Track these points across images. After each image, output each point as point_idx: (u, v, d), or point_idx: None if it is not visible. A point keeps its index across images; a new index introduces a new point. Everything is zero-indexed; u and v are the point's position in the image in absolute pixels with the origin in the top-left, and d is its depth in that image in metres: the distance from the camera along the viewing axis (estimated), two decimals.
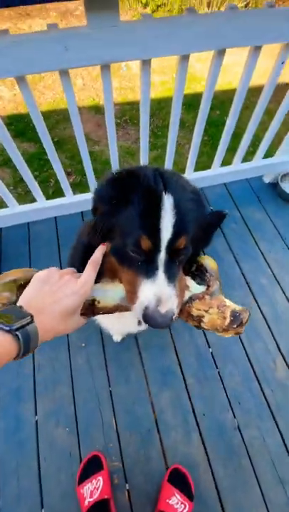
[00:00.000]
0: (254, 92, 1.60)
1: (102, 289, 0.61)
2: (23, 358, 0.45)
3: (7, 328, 0.42)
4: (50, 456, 1.19)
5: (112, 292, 0.60)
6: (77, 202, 1.66)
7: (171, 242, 0.53)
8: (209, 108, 1.38)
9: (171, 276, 0.54)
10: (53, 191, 2.07)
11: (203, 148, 2.37)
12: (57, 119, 2.58)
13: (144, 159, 1.51)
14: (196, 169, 1.76)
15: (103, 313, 0.61)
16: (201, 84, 2.93)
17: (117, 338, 1.41)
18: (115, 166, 1.49)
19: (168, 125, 1.41)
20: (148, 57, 1.04)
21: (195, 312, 0.60)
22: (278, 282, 1.65)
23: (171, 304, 0.53)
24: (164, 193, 0.54)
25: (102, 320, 1.00)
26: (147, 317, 0.52)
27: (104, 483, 1.11)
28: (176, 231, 0.53)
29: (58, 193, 1.69)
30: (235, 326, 0.57)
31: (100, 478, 1.12)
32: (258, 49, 1.18)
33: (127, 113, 2.68)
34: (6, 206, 1.58)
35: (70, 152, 2.31)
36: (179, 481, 1.14)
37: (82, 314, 0.58)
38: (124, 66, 3.09)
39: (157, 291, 0.53)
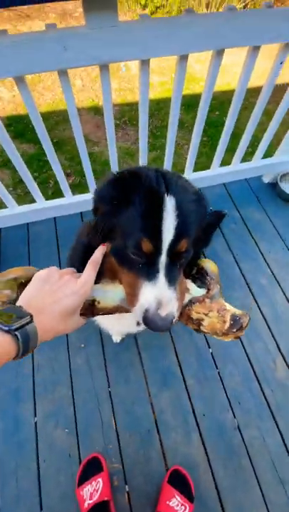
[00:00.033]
0: (253, 93, 1.61)
1: (102, 289, 0.61)
2: (22, 358, 0.45)
3: (6, 328, 0.42)
4: (49, 457, 1.18)
5: (112, 293, 0.60)
6: (77, 202, 1.66)
7: (173, 245, 0.53)
8: (208, 109, 1.38)
9: (171, 280, 0.54)
10: (53, 192, 2.07)
11: (202, 149, 2.38)
12: (56, 120, 2.58)
13: (143, 160, 1.51)
14: (196, 170, 1.76)
15: (103, 314, 0.61)
16: (200, 84, 2.94)
17: (116, 338, 1.41)
18: (114, 166, 1.49)
19: (167, 126, 1.41)
20: (147, 57, 1.04)
21: (195, 315, 0.59)
22: (278, 282, 1.65)
23: (171, 308, 0.52)
24: (166, 194, 0.53)
25: (102, 320, 0.99)
26: (147, 320, 0.52)
27: (104, 484, 1.10)
28: (177, 234, 0.53)
29: (58, 194, 1.69)
30: (235, 330, 0.57)
31: (100, 479, 1.11)
32: (256, 49, 1.18)
33: (126, 114, 2.68)
34: (6, 207, 1.58)
35: (69, 153, 2.32)
36: (179, 482, 1.14)
37: (81, 314, 0.58)
38: (123, 67, 3.10)
39: (158, 294, 0.52)
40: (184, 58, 1.12)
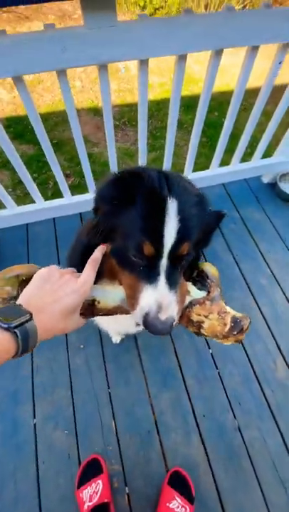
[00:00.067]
0: (251, 94, 1.61)
1: (102, 289, 0.60)
2: (22, 356, 0.45)
3: (5, 326, 0.42)
4: (48, 459, 1.17)
5: (113, 293, 0.60)
6: (76, 203, 1.66)
7: (174, 248, 0.52)
8: (207, 109, 1.38)
9: (172, 283, 0.54)
10: (52, 193, 2.06)
11: (201, 150, 2.38)
12: (56, 121, 2.59)
13: (142, 161, 1.51)
14: (195, 170, 1.76)
15: (103, 315, 0.60)
16: (198, 85, 2.95)
17: (116, 339, 1.40)
18: (114, 167, 1.49)
19: (166, 126, 1.41)
20: (145, 57, 1.04)
21: (195, 317, 0.59)
22: (278, 282, 1.65)
23: (171, 311, 0.52)
24: (168, 196, 0.53)
25: (101, 320, 0.99)
26: (148, 324, 0.52)
27: (104, 486, 1.10)
28: (179, 237, 0.52)
29: (57, 195, 1.69)
30: (235, 332, 0.57)
31: (100, 481, 1.10)
32: (255, 49, 1.19)
33: (126, 115, 2.68)
34: (5, 207, 1.58)
35: (69, 154, 2.32)
36: (180, 483, 1.13)
37: (81, 314, 0.57)
38: (122, 68, 3.10)
39: (158, 298, 0.52)
40: (182, 58, 1.12)
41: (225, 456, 1.21)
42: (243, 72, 1.28)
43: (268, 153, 1.87)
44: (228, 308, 0.59)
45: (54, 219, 1.78)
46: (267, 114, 1.63)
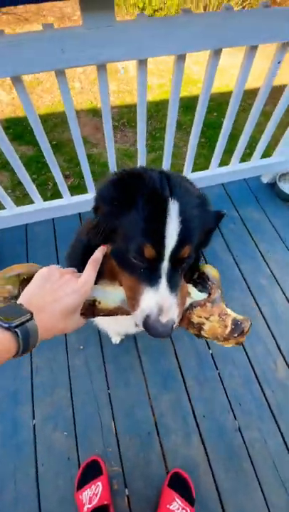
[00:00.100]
0: (250, 95, 1.62)
1: (102, 290, 0.60)
2: (22, 355, 0.45)
3: (6, 325, 0.42)
4: (48, 461, 1.17)
5: (113, 294, 0.60)
6: (75, 203, 1.66)
7: (175, 251, 0.52)
8: (206, 110, 1.38)
9: (173, 285, 0.54)
10: (52, 194, 2.06)
11: (201, 150, 2.38)
12: (55, 122, 2.59)
13: (141, 161, 1.51)
14: (194, 171, 1.76)
15: (103, 315, 0.60)
16: (197, 86, 2.95)
17: (115, 339, 1.40)
18: (113, 168, 1.49)
19: (166, 127, 1.41)
20: (144, 56, 1.04)
21: (196, 319, 0.59)
22: (278, 282, 1.64)
23: (172, 314, 0.52)
24: (170, 198, 0.52)
25: (100, 321, 0.98)
26: (148, 326, 0.52)
27: (104, 488, 1.09)
28: (181, 240, 0.52)
29: (57, 195, 1.69)
30: (236, 334, 0.56)
31: (99, 483, 1.10)
32: (253, 49, 1.19)
33: (125, 116, 2.69)
34: (4, 208, 1.58)
35: (68, 155, 2.32)
36: (180, 485, 1.12)
37: (82, 314, 0.57)
38: (121, 69, 3.11)
39: (159, 300, 0.52)
40: (181, 58, 1.12)
41: (225, 457, 1.20)
42: (241, 73, 1.28)
43: (267, 154, 1.87)
44: (228, 311, 0.59)
45: (53, 219, 1.78)
46: (266, 115, 1.63)
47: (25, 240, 1.71)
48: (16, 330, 0.42)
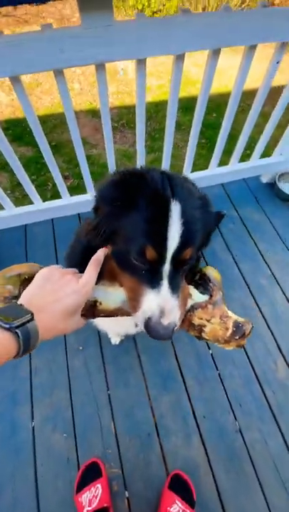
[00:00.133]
0: (249, 96, 1.62)
1: (103, 290, 0.60)
2: (22, 356, 0.44)
3: (7, 326, 0.42)
4: (47, 463, 1.16)
5: (114, 295, 0.59)
6: (74, 203, 1.66)
7: (177, 253, 0.52)
8: (206, 111, 1.38)
9: (175, 287, 0.53)
10: (51, 195, 2.06)
11: (200, 151, 2.38)
12: (54, 123, 2.59)
13: (141, 162, 1.51)
14: (194, 171, 1.76)
15: (104, 316, 0.60)
16: (196, 87, 2.96)
17: (115, 340, 1.39)
18: (112, 169, 1.49)
19: (165, 128, 1.41)
20: (143, 56, 1.04)
21: (197, 321, 0.59)
22: (278, 282, 1.64)
23: (174, 316, 0.52)
24: (172, 199, 0.51)
25: (100, 321, 0.98)
26: (150, 328, 0.51)
27: (104, 490, 1.08)
28: (183, 241, 0.51)
29: (56, 196, 1.69)
30: (237, 337, 0.56)
31: (99, 485, 1.09)
32: (252, 49, 1.19)
33: (125, 117, 2.69)
34: (3, 209, 1.57)
35: (67, 156, 2.32)
36: (180, 487, 1.11)
37: (82, 315, 0.57)
38: (121, 71, 3.12)
39: (161, 303, 0.52)
40: (180, 58, 1.12)
41: (226, 458, 1.19)
42: (240, 73, 1.28)
43: (266, 154, 1.87)
44: (230, 313, 0.59)
45: (52, 220, 1.77)
46: (264, 116, 1.64)
47: (24, 241, 1.70)
48: (17, 331, 0.42)
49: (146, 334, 0.53)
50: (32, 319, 0.45)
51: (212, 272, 0.66)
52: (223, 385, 1.33)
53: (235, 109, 1.44)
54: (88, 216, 0.67)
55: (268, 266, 1.69)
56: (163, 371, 1.36)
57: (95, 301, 0.58)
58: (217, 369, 1.37)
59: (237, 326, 0.56)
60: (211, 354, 1.41)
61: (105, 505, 1.04)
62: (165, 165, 1.59)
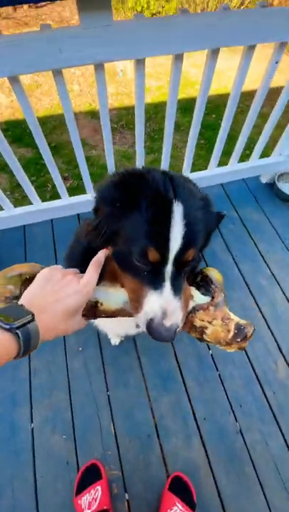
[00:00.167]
0: (248, 97, 1.63)
1: (105, 291, 0.60)
2: (23, 357, 0.44)
3: (7, 327, 0.41)
4: (46, 465, 1.15)
5: (116, 296, 0.59)
6: (74, 204, 1.66)
7: (180, 254, 0.51)
8: (205, 112, 1.39)
9: (177, 289, 0.53)
10: (51, 196, 2.06)
11: (200, 151, 2.39)
12: (54, 124, 2.60)
13: (140, 163, 1.51)
14: (193, 171, 1.76)
15: (105, 317, 0.60)
16: (195, 88, 2.97)
17: (115, 341, 1.39)
18: (112, 170, 1.49)
19: (164, 129, 1.41)
20: (141, 56, 1.04)
21: (198, 323, 0.58)
22: (278, 282, 1.63)
23: (176, 318, 0.51)
24: (174, 200, 0.51)
25: (99, 322, 0.97)
26: (152, 330, 0.51)
27: (103, 493, 1.07)
28: (185, 242, 0.51)
29: (56, 197, 1.69)
30: (239, 339, 0.56)
31: (99, 487, 1.08)
32: (251, 49, 1.19)
33: (124, 118, 2.70)
34: (2, 209, 1.57)
35: (67, 157, 2.32)
36: (181, 489, 1.10)
37: (83, 316, 0.57)
38: (120, 72, 3.13)
39: (163, 304, 0.51)
40: (179, 58, 1.13)
41: (226, 459, 1.18)
42: (239, 73, 1.28)
43: (266, 154, 1.87)
44: (232, 315, 0.59)
45: (52, 220, 1.77)
46: (263, 116, 1.64)
47: (23, 242, 1.70)
48: (17, 331, 0.42)
49: (146, 335, 0.53)
50: (33, 320, 0.44)
51: (214, 274, 0.65)
52: (223, 386, 1.33)
53: (234, 109, 1.44)
54: (87, 216, 0.67)
55: (268, 266, 1.69)
56: (163, 372, 1.35)
57: (96, 302, 0.58)
58: (217, 370, 1.37)
59: (239, 328, 0.56)
60: (211, 355, 1.40)
61: (105, 507, 1.04)
62: (164, 165, 1.59)
